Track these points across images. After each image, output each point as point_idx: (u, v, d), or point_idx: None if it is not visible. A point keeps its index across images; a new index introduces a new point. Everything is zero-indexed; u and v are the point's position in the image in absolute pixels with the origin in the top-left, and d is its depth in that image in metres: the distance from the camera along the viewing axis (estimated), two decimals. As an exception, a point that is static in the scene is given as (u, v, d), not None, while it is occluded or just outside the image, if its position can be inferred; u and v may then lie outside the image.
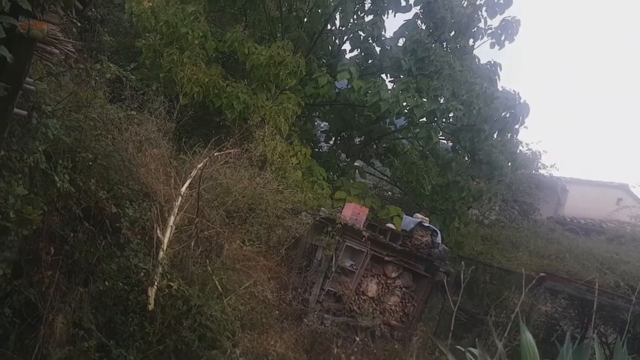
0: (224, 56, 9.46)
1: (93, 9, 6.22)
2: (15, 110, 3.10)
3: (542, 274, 7.51)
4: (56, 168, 4.26)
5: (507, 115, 9.14)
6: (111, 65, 5.14)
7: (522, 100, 9.17)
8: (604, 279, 7.57)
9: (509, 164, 9.55)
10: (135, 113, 5.76)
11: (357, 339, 6.84)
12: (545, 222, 13.42)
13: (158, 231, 4.77)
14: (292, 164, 7.84)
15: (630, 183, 16.39)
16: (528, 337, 4.48)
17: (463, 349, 4.84)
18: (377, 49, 10.24)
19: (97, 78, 5.07)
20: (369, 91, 8.48)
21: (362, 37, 10.01)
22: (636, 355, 5.92)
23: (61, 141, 4.40)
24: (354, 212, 7.16)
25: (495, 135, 9.29)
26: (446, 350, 4.83)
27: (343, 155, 11.71)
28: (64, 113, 4.74)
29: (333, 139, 11.88)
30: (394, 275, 7.69)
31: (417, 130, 9.42)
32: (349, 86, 8.94)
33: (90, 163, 4.78)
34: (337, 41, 10.76)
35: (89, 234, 4.67)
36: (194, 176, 5.23)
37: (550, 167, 14.98)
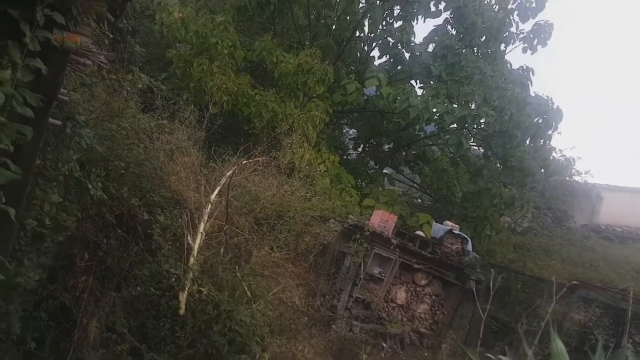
0: (252, 65, 9.59)
1: (124, 21, 6.40)
2: (50, 120, 3.20)
3: (574, 282, 7.33)
4: (89, 176, 4.38)
5: (540, 120, 8.95)
6: (142, 75, 5.27)
7: (555, 106, 8.96)
8: (639, 287, 7.34)
9: (542, 170, 9.34)
10: (166, 122, 5.88)
11: (386, 345, 6.79)
12: (579, 229, 13.09)
13: (189, 237, 4.84)
14: (320, 171, 7.85)
15: (667, 189, 15.78)
16: (559, 345, 4.37)
17: (493, 357, 4.75)
18: (407, 55, 10.17)
19: (128, 88, 5.20)
20: (398, 97, 8.44)
21: (391, 44, 9.96)
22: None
23: (94, 150, 4.53)
24: (382, 220, 7.13)
25: (527, 142, 9.10)
26: (476, 358, 4.75)
27: (372, 163, 11.66)
28: (97, 123, 4.88)
29: (361, 146, 11.85)
30: (423, 282, 7.60)
31: (448, 136, 9.30)
32: (378, 93, 8.91)
33: (123, 171, 4.90)
34: (365, 48, 10.74)
35: (121, 240, 4.78)
36: (223, 184, 5.30)
37: (585, 173, 14.55)
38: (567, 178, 13.42)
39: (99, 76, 4.71)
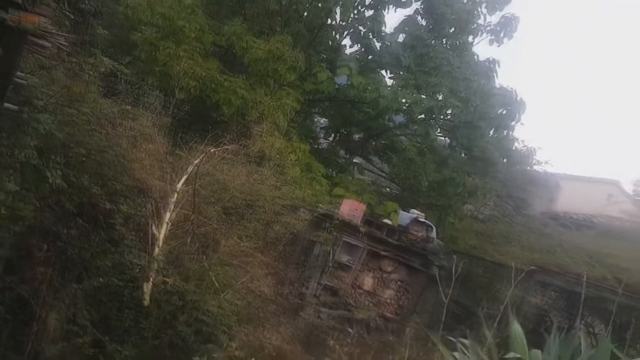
0: (221, 50, 9.38)
1: (86, 1, 6.12)
2: (6, 104, 3.06)
3: (532, 267, 7.62)
4: (48, 164, 4.21)
5: (504, 112, 9.17)
6: (105, 59, 5.08)
7: (518, 98, 9.19)
8: (592, 271, 7.70)
9: (504, 160, 9.60)
10: (129, 108, 5.70)
11: (352, 331, 6.91)
12: (538, 217, 13.56)
13: (153, 227, 4.75)
14: (290, 160, 7.81)
15: (621, 179, 16.56)
16: (517, 328, 4.56)
17: (454, 340, 4.91)
18: (377, 45, 10.18)
19: (90, 72, 5.01)
20: (369, 87, 8.46)
21: (362, 33, 9.95)
22: (620, 344, 6.03)
23: (53, 136, 4.34)
24: (351, 209, 7.21)
25: (491, 132, 9.31)
26: (438, 341, 4.89)
27: (342, 152, 11.69)
28: (56, 108, 4.67)
29: (332, 135, 11.85)
30: (389, 269, 7.75)
31: (416, 127, 9.42)
32: (349, 82, 8.90)
33: (84, 159, 4.73)
34: (337, 36, 10.68)
35: (82, 230, 4.64)
36: (190, 172, 5.20)
37: (545, 163, 15.05)
38: (528, 167, 13.84)
39: (58, 59, 4.52)
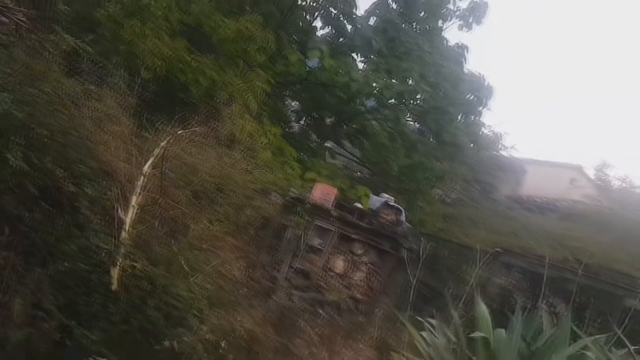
0: (189, 29, 9.13)
1: (47, -25, 5.84)
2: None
3: (497, 250, 7.85)
4: (8, 145, 4.05)
5: (472, 97, 9.33)
6: (67, 36, 4.87)
7: (486, 83, 9.36)
8: (554, 253, 7.97)
9: (472, 145, 9.80)
10: (93, 88, 5.50)
11: (323, 312, 6.99)
12: (504, 201, 13.94)
13: (120, 211, 4.64)
14: (261, 143, 7.74)
15: (584, 164, 17.19)
16: (482, 308, 4.73)
17: (422, 320, 5.04)
18: (349, 28, 10.14)
19: (51, 50, 4.79)
20: (340, 71, 8.44)
21: (333, 15, 9.88)
22: (580, 322, 6.33)
23: (13, 116, 4.16)
24: (323, 193, 7.24)
25: (460, 117, 9.47)
26: (406, 322, 5.02)
27: (314, 136, 11.67)
28: (16, 86, 4.47)
29: (304, 119, 11.80)
30: (360, 252, 7.85)
31: (387, 111, 9.48)
32: (320, 65, 8.85)
33: (46, 140, 4.55)
34: (308, 17, 10.58)
35: (46, 213, 4.48)
36: (157, 155, 5.08)
37: (511, 148, 15.48)
38: (495, 152, 14.19)
39: (17, 35, 4.31)
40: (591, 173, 17.09)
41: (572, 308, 6.04)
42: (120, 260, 4.33)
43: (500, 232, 9.68)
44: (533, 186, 16.28)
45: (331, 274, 7.65)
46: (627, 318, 4.73)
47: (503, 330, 4.64)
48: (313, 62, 9.16)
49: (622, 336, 4.24)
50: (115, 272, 4.32)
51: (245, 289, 5.97)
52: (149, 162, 4.98)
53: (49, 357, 3.89)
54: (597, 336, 4.37)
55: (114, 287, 4.31)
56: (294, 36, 10.34)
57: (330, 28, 10.24)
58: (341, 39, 10.21)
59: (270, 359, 5.10)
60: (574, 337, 4.47)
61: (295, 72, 8.70)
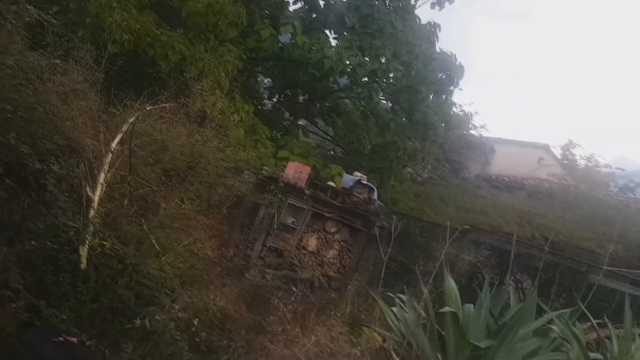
0: (157, 2, 8.83)
1: (5, -59, 5.53)
2: None
3: (466, 227, 8.02)
4: (-31, 120, 3.89)
5: (443, 76, 9.39)
6: (30, 7, 4.66)
7: (458, 62, 9.44)
8: (522, 231, 8.16)
9: (443, 124, 9.91)
10: (59, 62, 5.30)
11: (296, 290, 7.06)
12: (473, 179, 14.23)
13: (88, 189, 4.54)
14: (233, 121, 7.64)
15: (550, 143, 17.63)
16: (451, 283, 4.88)
17: (393, 295, 5.16)
18: (321, 3, 10.01)
19: (13, 21, 4.59)
20: (313, 47, 8.35)
21: (305, -11, 9.72)
22: (545, 298, 6.58)
23: (-27, 90, 4.00)
24: (296, 171, 7.23)
25: (431, 97, 9.54)
26: (377, 297, 5.13)
27: (287, 114, 11.59)
28: (-24, 60, 4.29)
29: (276, 96, 11.67)
30: (333, 230, 7.92)
31: (359, 90, 9.46)
32: (293, 41, 8.72)
33: (10, 115, 4.39)
34: (279, -9, 10.38)
35: (11, 191, 4.35)
36: (125, 131, 4.97)
37: (481, 127, 15.77)
38: (465, 132, 14.43)
39: (-26, 5, 4.09)
40: (558, 152, 17.57)
41: (538, 284, 6.26)
42: (89, 238, 4.25)
43: (469, 210, 9.86)
44: (502, 165, 16.67)
45: (304, 252, 7.72)
46: (591, 293, 4.94)
47: (472, 306, 4.78)
48: (285, 39, 9.04)
49: (585, 311, 4.42)
50: (84, 251, 4.24)
51: (218, 268, 5.96)
52: (117, 139, 4.86)
53: (17, 337, 3.82)
54: (561, 311, 4.55)
55: (83, 265, 4.24)
56: (265, 11, 10.14)
57: (302, 3, 10.08)
58: (314, 15, 10.08)
59: (244, 336, 5.13)
60: (540, 312, 4.64)
61: (268, 48, 8.57)
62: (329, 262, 8.01)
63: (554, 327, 4.36)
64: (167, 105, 5.76)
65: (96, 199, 4.53)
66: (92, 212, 4.43)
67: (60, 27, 5.95)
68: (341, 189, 8.14)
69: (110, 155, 4.75)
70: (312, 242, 7.76)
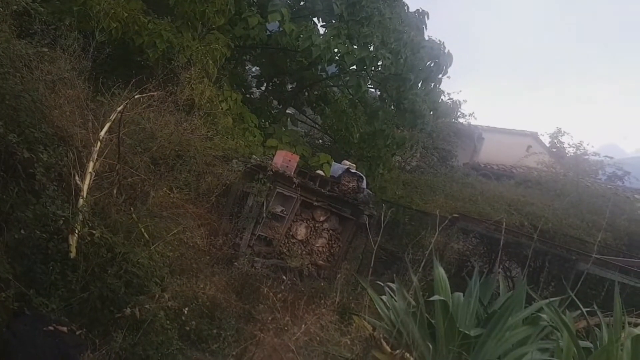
0: (144, -11, 8.74)
1: None
2: None
3: (455, 215, 8.09)
4: (-45, 109, 3.85)
5: (432, 64, 9.40)
6: (16, -6, 4.59)
7: (446, 50, 9.44)
8: (510, 219, 8.28)
9: (431, 112, 9.94)
10: (46, 50, 5.24)
11: (286, 278, 7.11)
12: (462, 168, 14.34)
13: (76, 178, 4.52)
14: (222, 109, 7.62)
15: (539, 131, 17.80)
16: (440, 272, 4.90)
17: (382, 284, 5.21)
18: (309, -10, 9.93)
19: (0, 9, 4.52)
20: (301, 35, 8.31)
21: (293, -24, 9.64)
22: (535, 286, 6.68)
23: (-41, 79, 3.95)
24: (285, 160, 7.23)
25: (419, 85, 9.56)
26: (366, 286, 5.18)
27: (275, 103, 11.55)
28: (-39, 47, 4.23)
29: (265, 84, 11.62)
30: (322, 219, 7.96)
31: (348, 78, 9.45)
32: (281, 29, 8.67)
33: (-3, 103, 4.36)
34: (267, -22, 10.28)
35: (-1, 180, 4.34)
36: (114, 120, 4.94)
37: (469, 115, 15.88)
38: (453, 120, 14.51)
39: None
40: (546, 140, 17.74)
41: (527, 272, 6.32)
42: (78, 227, 4.24)
43: (458, 198, 9.96)
44: (490, 153, 16.81)
45: (293, 240, 7.75)
46: (580, 282, 5.02)
47: (461, 294, 4.82)
48: (273, 26, 8.98)
49: (575, 299, 4.40)
50: (73, 240, 4.24)
51: (208, 257, 5.98)
52: (105, 128, 4.83)
53: (7, 326, 3.82)
54: (551, 299, 4.54)
55: (73, 255, 4.23)
56: (253, -2, 10.06)
57: (290, -10, 9.99)
58: (302, 3, 10.00)
59: (233, 325, 5.18)
60: (529, 301, 4.67)
61: (256, 36, 8.50)
62: (318, 250, 8.06)
63: (543, 315, 4.38)
64: (155, 93, 5.73)
65: (85, 187, 4.52)
66: (81, 201, 4.42)
67: (48, 15, 5.87)
68: (330, 177, 8.16)
69: (98, 144, 4.73)
70: (301, 231, 7.79)
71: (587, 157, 15.77)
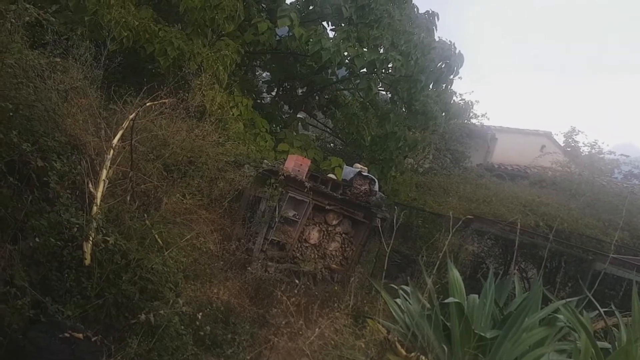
0: (154, -2, 8.85)
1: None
2: None
3: (469, 217, 8.00)
4: (-30, 119, 3.91)
5: (443, 65, 9.34)
6: (29, 6, 4.66)
7: (457, 51, 9.37)
8: (525, 219, 8.15)
9: (443, 114, 9.87)
10: (58, 60, 5.31)
11: (299, 282, 7.10)
12: (475, 169, 14.19)
13: (90, 185, 4.57)
14: (233, 115, 7.66)
15: (553, 131, 17.58)
16: (455, 274, 4.85)
17: (396, 287, 5.17)
18: (317, -6, 9.96)
19: (13, 20, 4.59)
20: (311, 39, 8.32)
21: (301, -19, 9.68)
22: (551, 287, 6.57)
23: (-26, 90, 4.02)
24: (296, 164, 7.23)
25: (431, 86, 9.50)
26: (381, 289, 5.14)
27: (285, 107, 11.58)
28: (-24, 59, 4.30)
29: (275, 89, 11.66)
30: (334, 222, 7.94)
31: (358, 81, 9.43)
32: (290, 34, 8.70)
33: (11, 114, 4.41)
34: (275, -16, 10.33)
35: (14, 189, 4.38)
36: (126, 127, 4.99)
37: (482, 116, 15.74)
38: (466, 121, 14.38)
39: (-27, 5, 4.10)
40: (561, 140, 17.53)
41: (543, 273, 6.22)
42: (92, 234, 4.28)
43: (471, 199, 9.85)
44: (504, 154, 16.65)
45: (306, 244, 7.74)
46: (597, 282, 4.91)
47: (476, 296, 4.76)
48: (283, 31, 9.02)
49: (592, 299, 4.31)
50: (87, 247, 4.27)
51: (221, 262, 6.01)
52: (118, 135, 4.88)
53: (23, 334, 3.86)
54: (568, 300, 4.45)
55: (87, 262, 4.27)
56: (262, 4, 10.11)
57: (298, -5, 10.02)
58: (311, 7, 10.02)
59: (248, 329, 5.18)
60: (546, 301, 4.59)
61: (265, 42, 8.54)
62: (331, 254, 8.03)
63: (560, 316, 4.31)
64: (166, 100, 5.77)
65: (99, 195, 4.56)
66: (94, 209, 4.46)
67: (60, 26, 5.97)
68: (342, 181, 8.14)
69: (111, 151, 4.78)
70: (313, 235, 7.78)
71: (602, 155, 15.53)
